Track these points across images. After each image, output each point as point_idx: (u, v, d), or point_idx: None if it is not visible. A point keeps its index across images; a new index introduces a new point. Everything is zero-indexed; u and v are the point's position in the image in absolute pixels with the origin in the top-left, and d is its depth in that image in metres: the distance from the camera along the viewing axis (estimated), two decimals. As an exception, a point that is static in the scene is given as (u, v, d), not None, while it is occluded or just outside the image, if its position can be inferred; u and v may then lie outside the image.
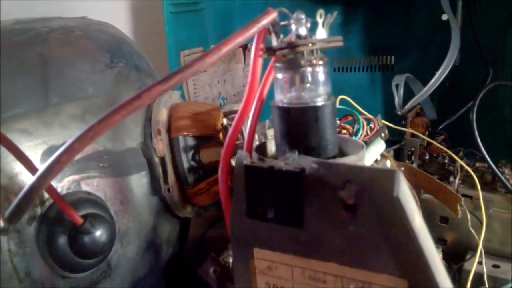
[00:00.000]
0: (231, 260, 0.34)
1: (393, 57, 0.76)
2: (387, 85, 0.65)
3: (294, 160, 0.23)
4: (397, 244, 0.20)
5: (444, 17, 0.64)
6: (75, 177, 0.37)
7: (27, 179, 0.33)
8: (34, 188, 0.22)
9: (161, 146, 0.43)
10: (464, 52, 0.66)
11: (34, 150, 0.35)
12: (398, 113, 0.59)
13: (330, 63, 0.83)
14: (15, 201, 0.23)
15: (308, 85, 0.25)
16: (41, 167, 0.22)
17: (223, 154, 0.27)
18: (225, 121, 0.45)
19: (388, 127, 0.53)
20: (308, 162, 0.22)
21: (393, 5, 0.75)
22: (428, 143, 0.58)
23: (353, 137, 0.45)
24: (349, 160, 0.25)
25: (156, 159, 0.43)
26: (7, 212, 0.24)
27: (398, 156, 0.56)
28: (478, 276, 0.47)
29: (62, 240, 0.35)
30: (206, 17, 0.75)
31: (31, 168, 0.32)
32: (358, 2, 0.77)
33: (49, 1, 0.74)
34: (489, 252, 0.51)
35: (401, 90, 0.59)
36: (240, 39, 0.23)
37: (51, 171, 0.21)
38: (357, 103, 0.52)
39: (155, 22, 0.76)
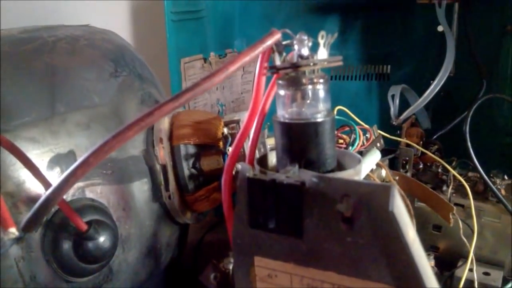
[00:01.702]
0: (231, 267, 0.35)
1: (389, 66, 0.78)
2: (383, 93, 0.67)
3: (295, 174, 0.25)
4: (391, 255, 0.22)
5: (440, 28, 0.65)
6: (80, 184, 0.38)
7: (34, 186, 0.34)
8: (50, 200, 0.23)
9: (162, 154, 0.44)
10: (459, 63, 0.67)
11: (41, 157, 0.36)
12: (394, 123, 0.60)
13: (327, 71, 0.85)
14: (31, 212, 0.24)
15: (308, 101, 0.26)
16: (56, 179, 0.23)
17: (227, 166, 0.29)
18: (225, 130, 0.46)
19: (383, 137, 0.54)
20: (308, 176, 0.24)
21: (391, 15, 0.76)
22: (422, 152, 0.59)
23: (350, 147, 0.47)
24: (347, 174, 0.26)
25: (158, 167, 0.44)
26: (23, 222, 0.25)
27: (392, 165, 0.58)
28: (469, 283, 0.48)
29: (67, 245, 0.36)
30: (206, 25, 0.76)
31: (39, 176, 0.33)
32: (356, 12, 0.79)
33: (51, 9, 0.75)
34: (480, 260, 0.52)
35: (397, 101, 0.60)
36: (247, 59, 0.24)
37: (66, 184, 0.22)
38: (353, 110, 0.53)
39: (156, 29, 0.78)
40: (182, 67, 0.73)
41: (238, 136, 0.28)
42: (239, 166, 0.31)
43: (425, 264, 0.21)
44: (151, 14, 0.84)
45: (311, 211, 0.24)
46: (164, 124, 0.46)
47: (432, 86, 0.59)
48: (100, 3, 0.81)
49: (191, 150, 0.46)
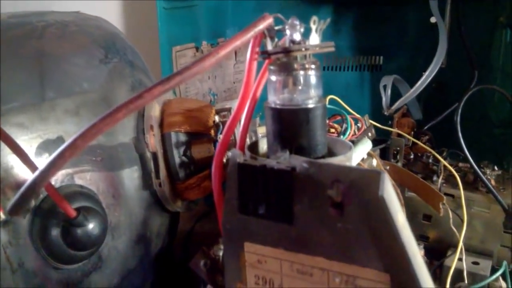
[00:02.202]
0: (221, 253, 0.35)
1: (382, 58, 0.78)
2: (376, 84, 0.67)
3: (286, 159, 0.25)
4: (381, 240, 0.22)
5: (433, 19, 0.65)
6: (69, 170, 0.37)
7: (22, 172, 0.34)
8: (37, 182, 0.23)
9: (153, 141, 0.44)
10: (451, 55, 0.67)
11: (29, 143, 0.35)
12: (385, 113, 0.61)
13: (320, 62, 0.84)
14: (18, 194, 0.23)
15: (300, 87, 0.26)
16: (44, 162, 0.23)
17: (217, 152, 0.28)
18: (217, 118, 0.46)
19: (375, 126, 0.54)
20: (299, 162, 0.24)
21: (384, 6, 0.76)
22: (413, 143, 0.59)
23: (341, 136, 0.47)
24: (338, 160, 0.26)
25: (148, 154, 0.44)
26: (9, 205, 0.25)
27: (383, 155, 0.58)
28: (458, 272, 0.48)
29: (56, 232, 0.35)
30: (198, 14, 0.75)
31: (27, 162, 0.32)
32: (349, 3, 0.79)
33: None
34: (469, 250, 0.53)
35: (389, 91, 0.60)
36: (238, 43, 0.24)
37: (53, 166, 0.22)
38: (345, 101, 0.53)
39: (148, 17, 0.77)
40: (174, 56, 0.72)
41: (228, 122, 0.28)
42: (229, 153, 0.31)
43: (415, 250, 0.21)
44: (143, 2, 0.83)
45: (301, 197, 0.24)
46: (155, 111, 0.45)
47: (424, 77, 0.59)
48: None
49: (182, 138, 0.46)
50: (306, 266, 0.25)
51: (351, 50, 0.81)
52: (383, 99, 0.61)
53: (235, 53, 0.84)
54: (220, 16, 0.80)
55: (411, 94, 0.59)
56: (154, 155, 0.44)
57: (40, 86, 0.37)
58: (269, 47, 0.26)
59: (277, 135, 0.27)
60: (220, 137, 0.45)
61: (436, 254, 0.54)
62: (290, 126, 0.26)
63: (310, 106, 0.26)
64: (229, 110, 0.46)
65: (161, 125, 0.45)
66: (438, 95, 0.71)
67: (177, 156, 0.45)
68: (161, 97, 0.47)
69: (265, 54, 0.26)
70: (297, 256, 0.25)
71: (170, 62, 0.72)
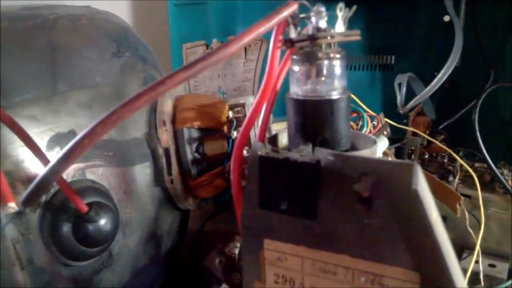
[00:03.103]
0: (237, 251, 0.34)
1: (393, 57, 0.77)
2: (387, 84, 0.66)
3: (309, 153, 0.24)
4: (412, 237, 0.21)
5: (446, 18, 0.64)
6: (80, 165, 0.37)
7: (32, 166, 0.33)
8: (53, 172, 0.22)
9: (165, 137, 0.43)
10: (465, 54, 0.66)
11: (40, 136, 0.34)
12: (400, 111, 0.59)
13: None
14: (33, 184, 0.23)
15: (324, 78, 0.25)
16: (59, 152, 0.22)
17: (237, 145, 0.27)
18: (230, 114, 0.45)
19: (390, 125, 0.53)
20: (324, 154, 0.23)
21: (395, 5, 0.75)
22: (428, 142, 0.58)
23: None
24: (364, 153, 0.25)
25: (160, 150, 0.43)
26: (24, 195, 0.24)
27: (398, 155, 0.57)
28: (475, 275, 0.47)
29: (66, 228, 0.34)
30: (209, 11, 0.75)
31: (39, 154, 0.31)
32: (360, 0, 0.78)
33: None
34: (485, 252, 0.52)
35: (404, 89, 0.59)
36: (262, 29, 0.23)
37: (71, 155, 0.21)
38: (356, 101, 0.52)
39: (158, 14, 0.76)
40: (184, 53, 0.72)
41: (249, 114, 0.27)
42: (244, 152, 0.30)
43: (449, 248, 0.20)
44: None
45: (326, 192, 0.23)
46: (167, 106, 0.44)
47: (439, 75, 0.58)
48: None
49: (195, 134, 0.45)
50: (330, 264, 0.24)
51: (362, 49, 0.80)
52: (398, 97, 0.60)
53: (245, 51, 0.83)
54: (231, 13, 0.80)
55: (426, 92, 0.58)
56: (167, 151, 0.43)
57: (52, 79, 0.36)
58: (293, 35, 0.25)
59: (300, 128, 0.26)
60: (234, 133, 0.44)
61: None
62: (314, 118, 0.25)
63: (334, 97, 0.25)
64: (242, 106, 0.45)
65: (173, 120, 0.45)
66: (451, 94, 0.70)
67: (189, 153, 0.45)
68: (173, 92, 0.47)
69: (288, 42, 0.25)
70: (320, 254, 0.24)
71: (181, 59, 0.71)
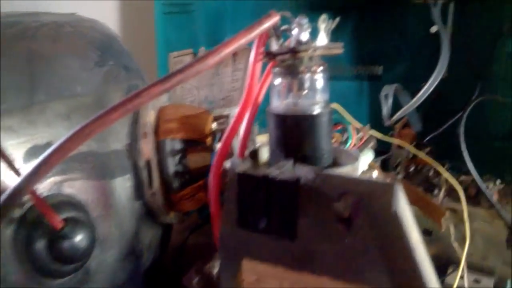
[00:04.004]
0: (215, 270, 0.33)
1: (381, 67, 0.76)
2: (374, 95, 0.65)
3: (289, 169, 0.23)
4: (393, 259, 0.20)
5: (433, 29, 0.64)
6: (57, 178, 0.36)
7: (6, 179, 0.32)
8: (20, 189, 0.21)
9: (147, 149, 0.42)
10: (452, 64, 0.66)
11: (17, 148, 0.33)
12: (386, 124, 0.59)
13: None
14: (1, 199, 0.21)
15: (305, 92, 0.25)
16: (29, 167, 0.21)
17: (216, 160, 0.26)
18: (214, 125, 0.44)
19: (375, 137, 0.52)
20: (303, 172, 0.22)
21: (383, 15, 0.75)
22: (414, 155, 0.58)
23: (342, 146, 0.45)
24: (345, 170, 0.24)
25: (142, 163, 0.42)
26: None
27: (384, 167, 0.56)
28: (459, 291, 0.47)
29: (41, 244, 0.33)
30: (196, 19, 0.74)
31: (12, 168, 0.30)
32: (348, 11, 0.78)
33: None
34: (469, 267, 0.51)
35: (390, 101, 0.58)
36: (243, 41, 0.22)
37: (39, 172, 0.20)
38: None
39: (145, 22, 0.75)
40: (170, 62, 0.71)
41: (229, 128, 0.26)
42: (227, 163, 0.29)
43: (430, 271, 0.20)
44: (141, 6, 0.82)
45: (306, 210, 0.22)
46: (149, 117, 0.43)
47: (426, 87, 0.58)
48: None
49: (178, 145, 0.44)
50: (309, 286, 0.23)
51: (349, 59, 0.79)
52: (384, 109, 0.59)
53: (234, 60, 0.82)
54: (219, 22, 0.79)
55: (412, 104, 0.57)
56: (148, 164, 0.42)
57: (30, 88, 0.35)
58: (275, 47, 0.25)
59: (280, 143, 0.25)
60: (217, 146, 0.43)
61: (436, 271, 0.52)
62: (295, 133, 0.24)
63: (316, 112, 0.24)
64: (227, 117, 0.44)
65: (156, 132, 0.44)
66: (437, 106, 0.70)
67: (172, 165, 0.44)
68: (157, 103, 0.46)
69: (270, 55, 0.24)
70: (299, 276, 0.23)
71: (167, 68, 0.70)
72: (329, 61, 0.79)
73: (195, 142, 0.44)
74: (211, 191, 0.26)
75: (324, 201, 0.22)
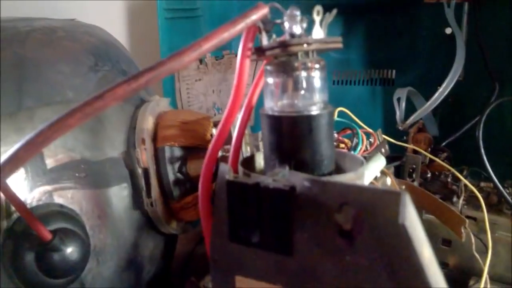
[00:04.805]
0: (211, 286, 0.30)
1: (394, 71, 0.74)
2: (388, 99, 0.63)
3: (284, 176, 0.20)
4: (401, 279, 0.17)
5: (448, 31, 0.62)
6: (47, 187, 0.34)
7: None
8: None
9: (145, 156, 0.40)
10: (469, 67, 0.63)
11: (2, 156, 0.32)
12: (400, 128, 0.56)
13: (329, 76, 0.81)
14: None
15: (302, 91, 0.22)
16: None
17: (204, 167, 0.24)
18: (214, 131, 0.42)
19: (388, 142, 0.50)
20: (299, 179, 0.19)
21: (395, 17, 0.73)
22: (430, 160, 0.55)
23: (352, 152, 0.42)
24: (347, 178, 0.22)
25: (139, 171, 0.40)
26: None
27: (398, 173, 0.53)
28: (482, 304, 0.44)
29: (29, 257, 0.32)
30: (202, 25, 0.73)
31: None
32: (360, 14, 0.75)
33: (43, 2, 0.72)
34: (493, 278, 0.48)
35: (403, 104, 0.56)
36: (225, 35, 0.20)
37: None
38: (356, 116, 0.50)
39: (151, 27, 0.74)
40: (175, 68, 0.69)
41: (216, 133, 0.24)
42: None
43: (444, 292, 0.17)
44: (146, 12, 0.81)
45: (303, 223, 0.20)
46: (148, 123, 0.41)
47: (440, 89, 0.55)
48: (94, 0, 0.78)
49: (177, 152, 0.42)
50: (309, 306, 0.21)
51: (362, 63, 0.77)
52: (397, 112, 0.56)
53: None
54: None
55: (427, 107, 0.55)
56: (146, 172, 0.40)
57: (17, 94, 0.33)
58: (265, 43, 0.22)
59: (275, 147, 0.23)
60: (219, 152, 0.41)
61: (457, 283, 0.49)
62: (290, 136, 0.22)
63: (314, 113, 0.22)
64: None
65: (154, 138, 0.42)
66: (455, 109, 0.67)
67: (171, 173, 0.42)
68: (156, 109, 0.44)
69: (259, 50, 0.22)
70: (298, 294, 0.21)
71: (172, 75, 0.69)
72: (342, 65, 0.77)
73: (196, 149, 0.42)
74: (200, 200, 0.24)
75: (323, 212, 0.19)
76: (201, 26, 0.73)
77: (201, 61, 0.75)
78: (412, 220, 0.17)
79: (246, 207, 0.21)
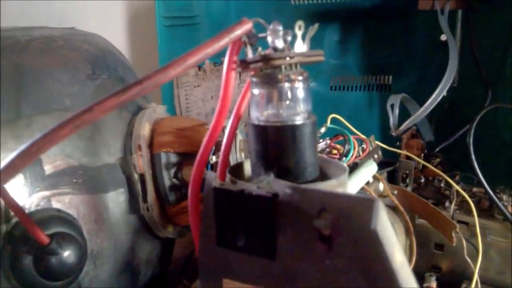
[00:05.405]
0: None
1: (390, 77, 0.75)
2: (384, 105, 0.64)
3: (268, 184, 0.21)
4: (374, 281, 0.18)
5: (443, 37, 0.62)
6: (46, 193, 0.35)
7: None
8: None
9: (141, 162, 0.41)
10: (463, 73, 0.64)
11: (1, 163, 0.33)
12: (393, 134, 0.57)
13: (327, 82, 0.82)
14: None
15: (286, 102, 0.23)
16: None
17: (193, 174, 0.25)
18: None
19: (382, 148, 0.51)
20: (281, 187, 0.20)
21: (392, 24, 0.74)
22: (424, 166, 0.56)
23: (344, 158, 0.43)
24: (328, 185, 0.23)
25: (136, 176, 0.41)
26: None
27: (392, 179, 0.54)
28: (474, 307, 0.44)
29: (27, 260, 0.32)
30: (200, 32, 0.74)
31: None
32: (356, 20, 0.76)
33: (44, 12, 0.74)
34: (485, 282, 0.49)
35: (396, 110, 0.57)
36: (210, 50, 0.21)
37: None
38: (353, 122, 0.50)
39: (150, 35, 0.75)
40: (174, 74, 0.70)
41: (204, 142, 0.25)
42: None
43: (415, 294, 0.18)
44: (145, 20, 0.82)
45: (285, 228, 0.21)
46: (144, 130, 0.43)
47: (433, 96, 0.56)
48: (94, 8, 0.80)
49: (173, 158, 0.43)
50: (292, 308, 0.21)
51: (359, 69, 0.78)
52: (391, 119, 0.57)
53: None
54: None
55: (420, 114, 0.56)
56: (142, 177, 0.41)
57: (16, 102, 0.35)
58: (250, 56, 0.23)
59: (261, 156, 0.24)
60: (213, 158, 0.42)
61: (449, 287, 0.49)
62: (275, 145, 0.23)
63: (297, 122, 0.23)
64: (223, 129, 0.43)
65: (150, 145, 0.43)
66: (450, 115, 0.68)
67: (167, 178, 0.43)
68: (153, 116, 0.45)
69: (244, 63, 0.23)
70: (282, 297, 0.22)
71: (171, 81, 0.70)
72: (339, 71, 0.77)
73: (191, 155, 0.43)
74: (190, 206, 0.25)
75: (304, 218, 0.20)
76: (199, 33, 0.74)
77: (199, 67, 0.76)
78: (384, 225, 0.18)
79: (232, 213, 0.22)
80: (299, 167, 0.23)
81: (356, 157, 0.45)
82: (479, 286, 0.45)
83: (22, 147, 0.19)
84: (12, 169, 0.19)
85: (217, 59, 0.78)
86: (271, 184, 0.21)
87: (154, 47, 0.70)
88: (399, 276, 0.17)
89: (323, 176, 0.26)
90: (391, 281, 0.17)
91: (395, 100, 0.57)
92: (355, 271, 0.19)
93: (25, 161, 0.19)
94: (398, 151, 0.54)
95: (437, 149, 0.62)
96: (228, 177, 0.24)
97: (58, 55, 0.40)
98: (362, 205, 0.18)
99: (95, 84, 0.42)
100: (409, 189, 0.54)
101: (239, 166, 0.27)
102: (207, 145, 0.25)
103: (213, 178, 0.22)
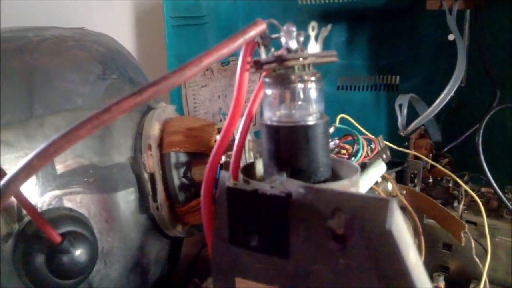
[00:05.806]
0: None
1: (398, 77, 0.75)
2: (392, 105, 0.64)
3: (281, 183, 0.22)
4: (388, 281, 0.18)
5: (451, 37, 0.62)
6: (57, 192, 0.35)
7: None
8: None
9: (151, 162, 0.41)
10: (471, 73, 0.64)
11: (14, 162, 0.33)
12: (401, 134, 0.57)
13: (334, 81, 0.82)
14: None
15: (299, 102, 0.23)
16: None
17: (206, 174, 0.25)
18: (219, 137, 0.43)
19: (390, 148, 0.51)
20: (295, 186, 0.21)
21: (399, 24, 0.73)
22: (432, 166, 0.55)
23: (352, 158, 0.43)
24: (341, 185, 0.23)
25: (146, 175, 0.42)
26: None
27: (400, 179, 0.54)
28: (483, 307, 0.44)
29: (40, 259, 0.33)
30: (208, 31, 0.74)
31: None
32: (364, 20, 0.76)
33: (52, 12, 0.74)
34: (493, 282, 0.49)
35: (405, 110, 0.57)
36: (225, 51, 0.21)
37: (6, 191, 0.19)
38: (360, 122, 0.50)
39: (158, 35, 0.76)
40: (182, 74, 0.70)
41: (217, 143, 0.25)
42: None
43: (429, 293, 0.18)
44: (153, 20, 0.83)
45: (298, 228, 0.21)
46: (154, 130, 0.43)
47: (442, 96, 0.56)
48: (102, 8, 0.80)
49: (182, 158, 0.43)
50: (305, 307, 0.22)
51: (366, 69, 0.78)
52: (399, 119, 0.57)
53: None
54: (231, 34, 0.79)
55: (428, 114, 0.56)
56: (152, 177, 0.42)
57: (28, 102, 0.35)
58: (263, 57, 0.24)
59: (273, 156, 0.24)
60: (222, 158, 0.42)
61: (458, 286, 0.49)
62: (287, 145, 0.23)
63: (310, 123, 0.23)
64: (232, 129, 0.43)
65: (160, 144, 0.43)
66: (459, 115, 0.68)
67: (176, 178, 0.43)
68: (162, 115, 0.45)
69: (257, 64, 0.23)
70: (295, 296, 0.22)
71: (175, 87, 0.70)
72: (346, 71, 0.77)
73: (200, 155, 0.43)
74: (203, 205, 0.25)
75: (317, 217, 0.20)
76: (207, 33, 0.74)
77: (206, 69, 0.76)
78: (399, 225, 0.18)
79: (245, 212, 0.22)
80: (312, 167, 0.23)
81: (365, 157, 0.45)
82: (488, 286, 0.45)
83: (40, 147, 0.19)
84: (29, 169, 0.19)
85: (224, 59, 0.78)
86: (285, 184, 0.21)
87: (162, 47, 0.70)
88: (413, 276, 0.18)
89: (335, 176, 0.26)
90: (406, 281, 0.18)
91: (403, 100, 0.57)
92: (369, 270, 0.19)
93: (43, 161, 0.19)
94: (407, 151, 0.54)
95: (445, 149, 0.62)
96: (240, 176, 0.24)
97: (69, 55, 0.41)
98: (377, 205, 0.18)
99: (105, 84, 0.42)
100: (417, 189, 0.54)
101: (251, 166, 0.27)
102: (221, 145, 0.25)
103: (226, 178, 0.22)
